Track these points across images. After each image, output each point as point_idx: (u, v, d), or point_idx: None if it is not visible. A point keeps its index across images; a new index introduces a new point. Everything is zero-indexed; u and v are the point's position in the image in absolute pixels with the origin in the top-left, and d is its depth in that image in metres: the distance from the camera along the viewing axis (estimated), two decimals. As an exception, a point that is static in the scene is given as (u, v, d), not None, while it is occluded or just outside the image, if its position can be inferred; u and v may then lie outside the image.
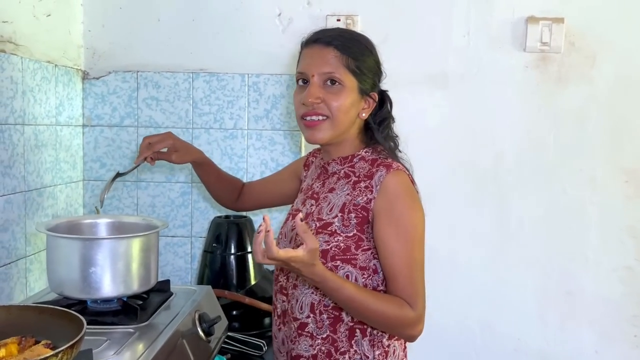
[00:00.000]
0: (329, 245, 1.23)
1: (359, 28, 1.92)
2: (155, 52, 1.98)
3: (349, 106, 1.25)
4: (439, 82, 1.93)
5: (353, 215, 1.24)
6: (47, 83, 1.76)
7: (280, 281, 1.36)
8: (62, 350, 0.87)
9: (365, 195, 1.24)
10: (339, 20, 1.91)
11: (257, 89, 1.97)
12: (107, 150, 2.02)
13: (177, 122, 1.99)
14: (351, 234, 1.23)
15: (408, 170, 1.30)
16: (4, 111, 1.55)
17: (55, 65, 1.81)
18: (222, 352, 1.52)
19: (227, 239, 1.79)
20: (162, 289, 1.39)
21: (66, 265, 1.20)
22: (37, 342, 0.99)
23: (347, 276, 1.22)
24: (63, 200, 1.88)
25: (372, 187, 1.24)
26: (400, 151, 1.34)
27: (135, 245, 1.24)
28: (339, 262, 1.22)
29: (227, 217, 1.88)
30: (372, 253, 1.24)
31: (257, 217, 1.99)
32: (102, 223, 1.41)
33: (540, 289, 1.93)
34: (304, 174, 1.49)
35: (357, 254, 1.23)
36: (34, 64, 1.68)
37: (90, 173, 2.02)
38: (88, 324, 0.97)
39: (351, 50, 1.25)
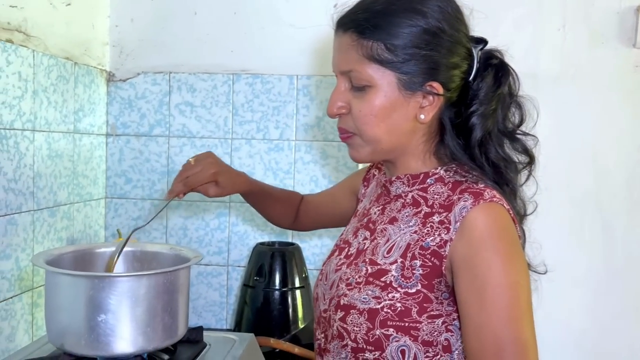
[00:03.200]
0: (379, 303, 0.87)
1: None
2: (191, 50, 1.71)
3: (382, 112, 0.88)
4: (527, 86, 1.56)
5: (419, 262, 0.86)
6: (64, 83, 1.50)
7: (318, 339, 1.00)
8: None
9: (439, 235, 0.86)
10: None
11: (308, 93, 1.67)
12: (133, 163, 1.74)
13: (215, 132, 1.71)
14: (413, 291, 0.86)
15: (511, 203, 0.89)
16: (9, 113, 1.28)
17: (75, 63, 1.55)
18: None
19: (271, 271, 1.48)
20: (194, 339, 1.08)
21: (68, 311, 0.91)
22: None
23: (403, 352, 0.86)
24: (81, 221, 1.61)
25: (449, 223, 0.86)
26: (527, 166, 0.95)
27: (160, 285, 0.94)
28: (392, 330, 0.86)
29: (271, 244, 1.58)
30: (444, 323, 0.86)
31: (306, 244, 1.68)
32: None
33: (656, 341, 1.57)
34: (362, 192, 1.12)
35: (421, 322, 0.85)
36: (48, 59, 1.42)
37: (114, 190, 1.75)
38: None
39: (375, 28, 0.86)
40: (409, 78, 0.87)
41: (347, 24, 0.89)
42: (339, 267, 0.98)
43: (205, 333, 1.14)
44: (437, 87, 0.88)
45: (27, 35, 1.34)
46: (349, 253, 0.99)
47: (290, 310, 1.47)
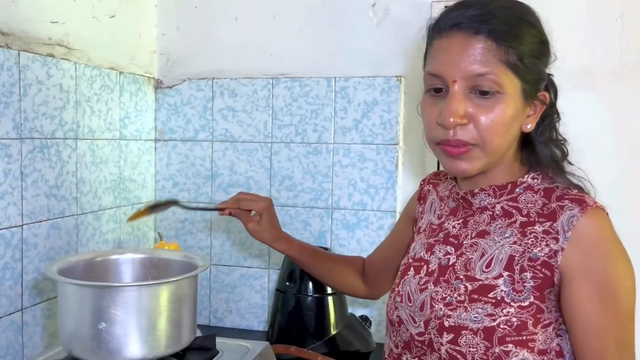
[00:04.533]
0: (494, 320, 0.85)
1: (472, 16, 1.52)
2: (233, 55, 1.73)
3: (510, 121, 0.86)
4: (581, 81, 1.48)
5: (529, 275, 0.86)
6: (108, 92, 1.57)
7: None
8: None
9: (547, 245, 0.86)
10: (446, 7, 1.53)
11: (345, 95, 1.64)
12: (180, 167, 1.80)
13: (255, 136, 1.72)
14: (527, 304, 0.85)
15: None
16: (50, 124, 1.36)
17: (121, 72, 1.62)
18: None
19: (302, 277, 1.47)
20: (205, 347, 1.09)
21: (73, 318, 0.95)
22: None
23: None
24: (128, 224, 1.68)
25: (556, 232, 0.86)
26: (570, 163, 0.94)
27: (163, 295, 0.96)
28: (511, 346, 0.85)
29: (305, 249, 1.56)
30: (554, 329, 0.87)
31: (344, 249, 1.65)
32: (131, 260, 1.15)
33: None
34: (420, 210, 1.09)
35: (536, 333, 0.85)
36: (91, 70, 1.49)
37: (162, 193, 1.81)
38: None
39: (509, 35, 0.84)
40: (529, 87, 0.87)
41: (479, 27, 0.85)
42: (424, 287, 0.95)
43: (220, 340, 1.15)
44: (546, 96, 0.91)
45: (68, 48, 1.42)
46: (430, 270, 0.96)
47: (322, 316, 1.45)
